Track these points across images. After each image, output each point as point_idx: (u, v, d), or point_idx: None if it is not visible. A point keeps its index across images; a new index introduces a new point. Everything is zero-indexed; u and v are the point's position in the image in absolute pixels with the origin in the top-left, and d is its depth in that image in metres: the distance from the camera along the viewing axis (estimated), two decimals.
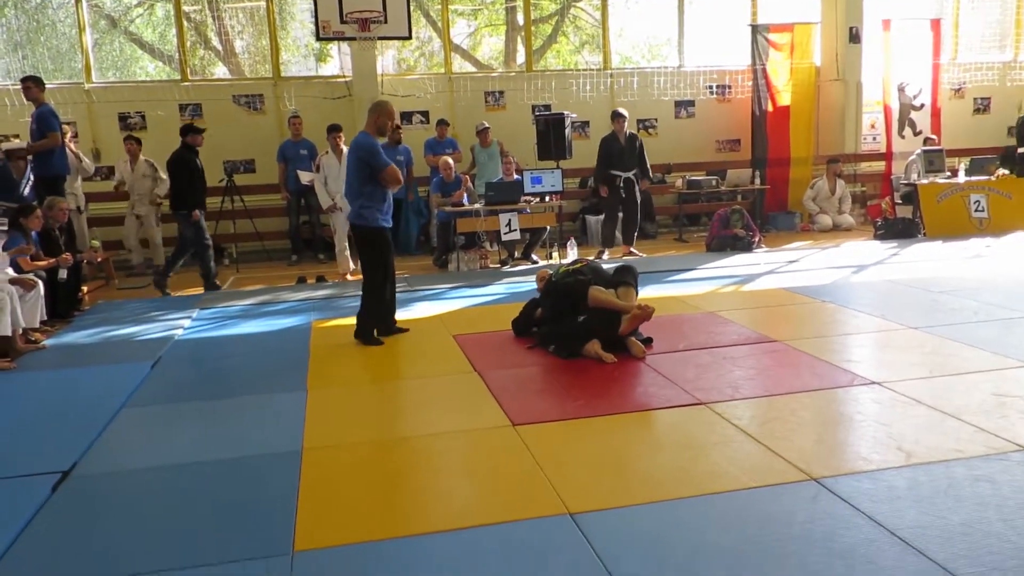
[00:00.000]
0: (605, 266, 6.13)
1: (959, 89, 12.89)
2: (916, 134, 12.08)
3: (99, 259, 8.44)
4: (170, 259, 8.48)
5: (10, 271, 6.07)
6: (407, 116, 11.19)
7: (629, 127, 9.83)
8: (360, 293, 5.95)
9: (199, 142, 8.22)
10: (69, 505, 3.27)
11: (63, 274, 6.83)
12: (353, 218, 5.79)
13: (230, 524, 3.03)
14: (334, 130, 8.59)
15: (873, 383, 4.33)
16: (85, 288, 8.03)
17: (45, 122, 7.94)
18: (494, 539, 2.83)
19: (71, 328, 6.74)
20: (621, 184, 9.43)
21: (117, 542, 2.93)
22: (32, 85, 8.00)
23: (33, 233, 6.62)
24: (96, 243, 8.88)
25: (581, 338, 5.13)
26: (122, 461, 3.73)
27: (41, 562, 2.80)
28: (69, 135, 9.02)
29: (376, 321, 5.88)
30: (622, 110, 9.64)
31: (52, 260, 6.66)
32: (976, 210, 10.16)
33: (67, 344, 6.19)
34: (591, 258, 7.48)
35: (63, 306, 7.08)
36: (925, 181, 10.36)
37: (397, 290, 6.22)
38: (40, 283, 6.25)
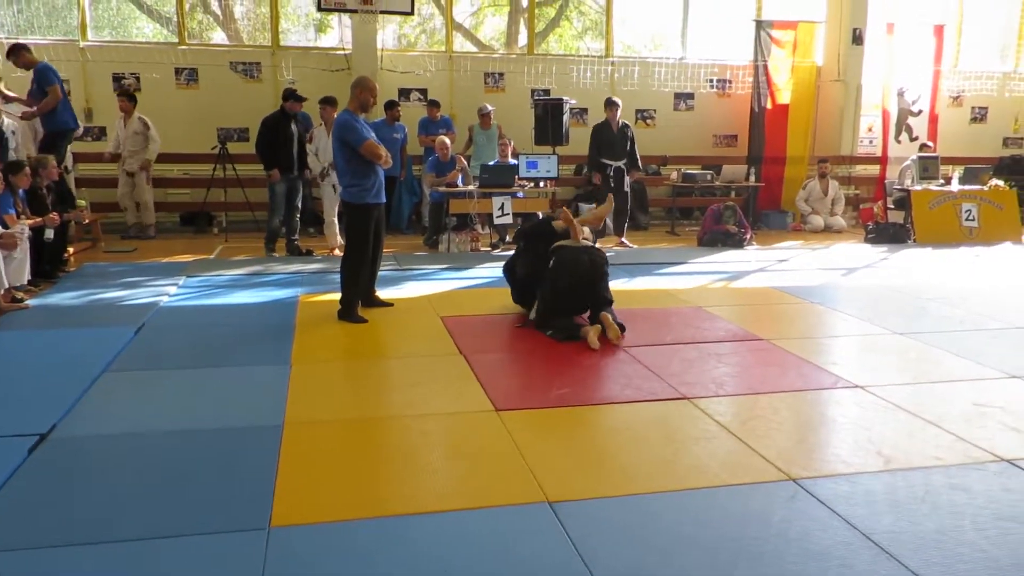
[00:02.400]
0: None
1: (958, 97, 12.91)
2: (912, 140, 12.12)
3: (86, 220, 8.35)
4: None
5: None
6: (405, 93, 11.12)
7: (628, 116, 9.80)
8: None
9: (297, 108, 8.43)
10: (45, 469, 3.25)
11: (49, 234, 6.75)
12: (341, 195, 5.85)
13: (207, 495, 3.01)
14: (326, 103, 8.49)
15: (856, 386, 4.35)
16: (71, 249, 7.96)
17: (44, 78, 7.99)
18: (472, 523, 2.84)
19: (55, 289, 6.67)
20: (611, 173, 9.40)
21: (91, 508, 2.91)
22: (19, 54, 8.07)
23: (20, 191, 6.54)
24: (83, 203, 8.77)
25: (568, 308, 5.27)
26: (101, 426, 3.71)
27: (12, 526, 2.77)
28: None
29: (354, 298, 5.85)
30: (616, 99, 9.57)
31: (39, 219, 6.59)
32: (967, 219, 10.21)
33: (51, 305, 6.14)
34: None
35: (48, 266, 7.01)
36: (918, 187, 10.39)
37: (386, 268, 6.21)
38: (26, 242, 6.18)
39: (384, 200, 5.95)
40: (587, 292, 5.31)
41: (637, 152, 9.63)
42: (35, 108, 8.06)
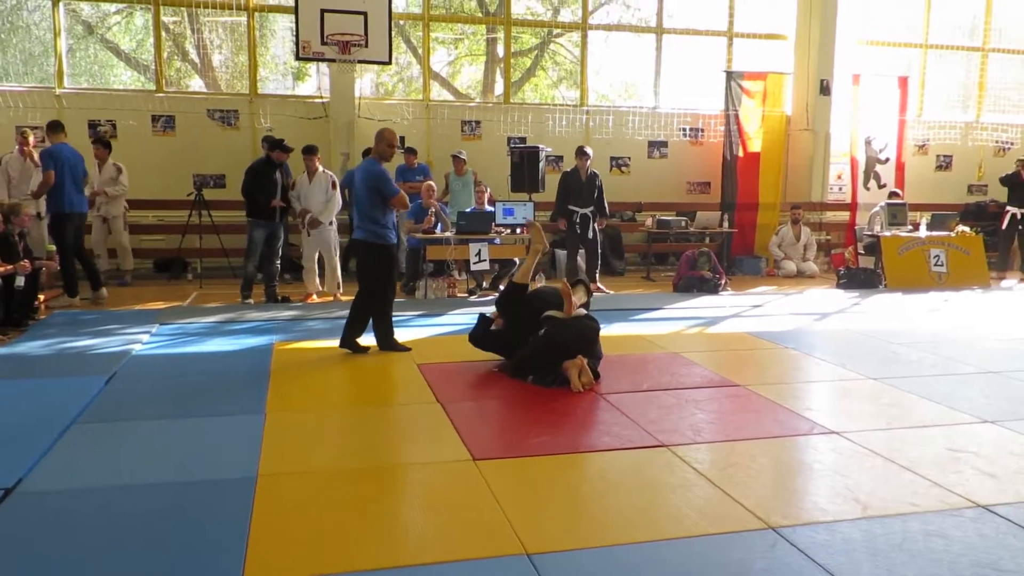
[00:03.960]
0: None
1: (923, 145, 13.25)
2: (881, 187, 12.39)
3: (57, 267, 8.25)
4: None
5: None
6: None
7: (603, 164, 9.95)
8: (350, 307, 6.33)
9: (284, 158, 8.47)
10: (10, 524, 3.16)
11: (20, 281, 6.67)
12: (365, 236, 6.14)
13: (178, 551, 2.94)
14: (309, 152, 8.56)
15: (832, 432, 4.37)
16: (42, 296, 7.85)
17: (43, 163, 8.17)
18: None
19: (25, 337, 6.56)
20: (578, 220, 9.51)
21: (58, 566, 2.83)
22: (48, 132, 8.42)
23: None
24: (54, 249, 8.67)
25: (553, 358, 5.19)
26: (69, 480, 3.62)
27: None
28: (32, 140, 8.87)
29: (389, 328, 6.30)
30: (588, 148, 9.74)
31: (10, 266, 6.51)
32: (936, 264, 10.41)
33: (19, 354, 6.03)
34: None
35: (18, 314, 6.91)
36: (888, 233, 10.60)
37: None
38: None
39: (396, 241, 6.38)
40: (577, 353, 5.30)
41: (605, 200, 9.79)
42: (33, 191, 8.35)
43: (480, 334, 5.91)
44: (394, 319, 6.43)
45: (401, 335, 6.83)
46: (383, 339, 6.31)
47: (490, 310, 6.12)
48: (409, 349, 6.29)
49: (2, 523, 3.17)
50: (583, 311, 5.48)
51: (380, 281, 6.24)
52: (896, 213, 10.85)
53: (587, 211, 9.54)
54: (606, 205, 9.84)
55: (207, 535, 3.07)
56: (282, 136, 9.47)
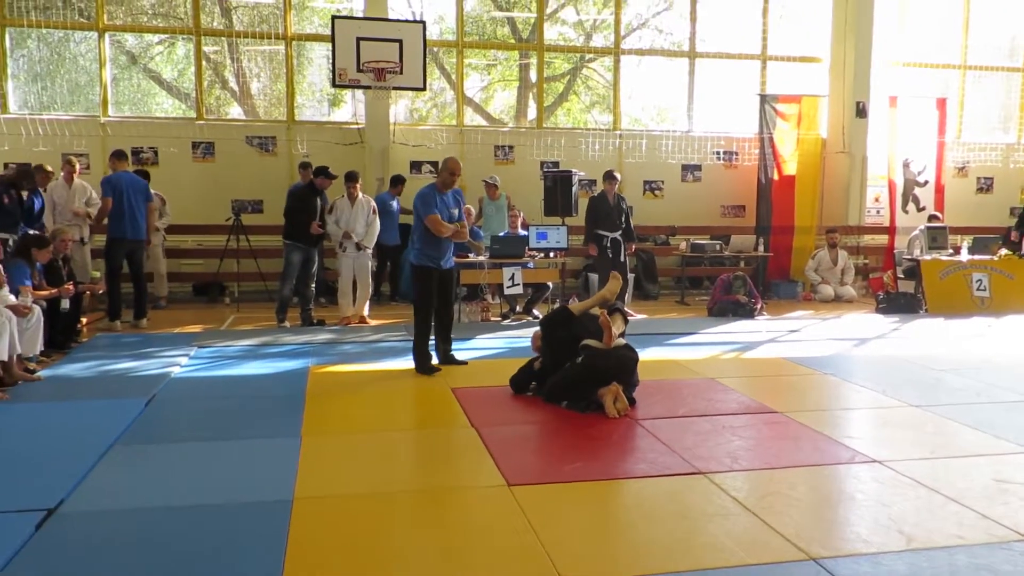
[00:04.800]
0: None
1: (963, 168, 13.05)
2: (920, 210, 12.20)
3: (100, 291, 8.42)
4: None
5: (11, 297, 6.05)
6: (416, 166, 11.33)
7: (636, 187, 9.93)
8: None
9: (327, 185, 8.60)
10: (51, 545, 3.20)
11: (65, 304, 6.82)
12: (411, 257, 6.54)
13: (216, 573, 2.96)
14: (351, 179, 8.71)
15: (874, 461, 4.28)
16: (84, 319, 8.01)
17: (102, 189, 8.34)
18: None
19: (67, 360, 6.70)
20: (608, 244, 9.47)
21: None
22: (111, 160, 8.55)
23: (37, 264, 6.63)
24: (97, 274, 8.88)
25: (590, 385, 5.14)
26: (109, 501, 3.67)
27: None
28: (78, 168, 9.12)
29: (424, 349, 6.44)
30: (616, 172, 9.72)
31: (54, 290, 6.66)
32: (978, 289, 10.19)
33: (62, 376, 6.15)
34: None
35: (61, 337, 7.05)
36: (928, 257, 10.41)
37: (397, 338, 6.31)
38: (39, 312, 6.23)
39: (448, 267, 6.57)
40: (614, 380, 5.26)
41: (632, 225, 9.75)
42: (94, 216, 8.57)
43: (523, 379, 5.76)
44: (430, 343, 6.49)
45: (435, 359, 6.87)
46: (415, 357, 6.45)
47: (525, 336, 6.10)
48: (439, 370, 6.42)
49: (45, 543, 3.22)
50: (622, 340, 5.43)
51: (417, 300, 6.48)
52: (936, 236, 10.67)
53: (617, 235, 9.51)
54: (633, 230, 9.81)
55: (244, 557, 3.09)
56: (319, 161, 9.63)
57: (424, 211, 6.29)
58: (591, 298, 5.68)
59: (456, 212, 6.55)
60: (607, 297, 5.73)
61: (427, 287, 6.41)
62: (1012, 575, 3.00)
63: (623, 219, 9.57)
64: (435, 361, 6.53)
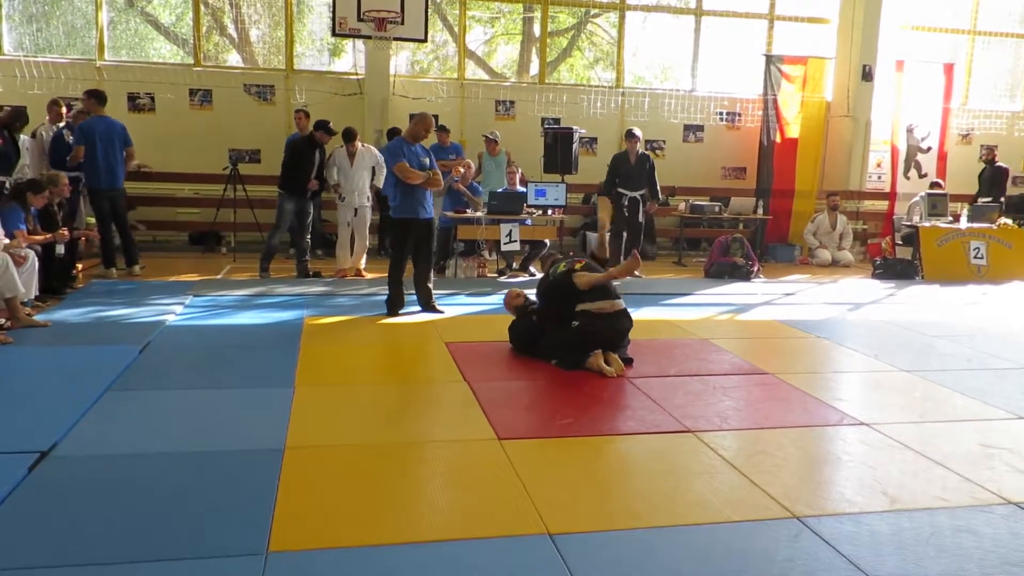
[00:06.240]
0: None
1: (967, 135, 12.94)
2: (921, 176, 12.14)
3: (96, 237, 8.39)
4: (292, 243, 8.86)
5: (5, 240, 6.02)
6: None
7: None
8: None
9: (326, 140, 8.52)
10: (44, 487, 3.23)
11: (60, 250, 6.79)
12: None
13: (205, 518, 2.99)
14: (349, 137, 8.60)
15: (862, 424, 4.32)
16: (80, 266, 7.99)
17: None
18: (472, 554, 2.81)
19: (62, 305, 6.70)
20: (626, 203, 9.39)
21: (88, 529, 2.89)
22: (88, 99, 8.24)
23: (32, 208, 6.58)
24: (92, 220, 8.83)
25: (581, 348, 5.14)
26: (102, 446, 3.69)
27: (8, 545, 2.75)
28: (65, 111, 8.91)
29: (393, 294, 6.74)
30: (636, 130, 9.59)
31: (49, 236, 6.63)
32: (975, 257, 10.19)
33: (57, 321, 6.14)
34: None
35: (56, 282, 7.04)
36: (927, 224, 10.39)
37: None
38: (35, 256, 6.21)
39: (424, 217, 6.68)
40: (603, 347, 5.26)
41: (657, 183, 9.57)
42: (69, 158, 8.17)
43: (525, 337, 5.67)
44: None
45: (430, 313, 6.90)
46: (388, 304, 6.80)
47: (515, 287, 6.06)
48: (442, 311, 6.80)
49: (37, 485, 3.25)
50: (621, 304, 5.39)
51: (391, 248, 7.00)
52: (936, 203, 10.62)
53: (636, 195, 9.43)
54: (659, 188, 9.64)
55: (234, 504, 3.12)
56: (317, 112, 9.55)
57: (392, 161, 6.49)
58: (601, 274, 5.50)
59: (427, 160, 6.54)
60: (618, 276, 5.71)
61: (402, 236, 6.70)
62: (992, 537, 3.05)
63: (650, 176, 9.47)
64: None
